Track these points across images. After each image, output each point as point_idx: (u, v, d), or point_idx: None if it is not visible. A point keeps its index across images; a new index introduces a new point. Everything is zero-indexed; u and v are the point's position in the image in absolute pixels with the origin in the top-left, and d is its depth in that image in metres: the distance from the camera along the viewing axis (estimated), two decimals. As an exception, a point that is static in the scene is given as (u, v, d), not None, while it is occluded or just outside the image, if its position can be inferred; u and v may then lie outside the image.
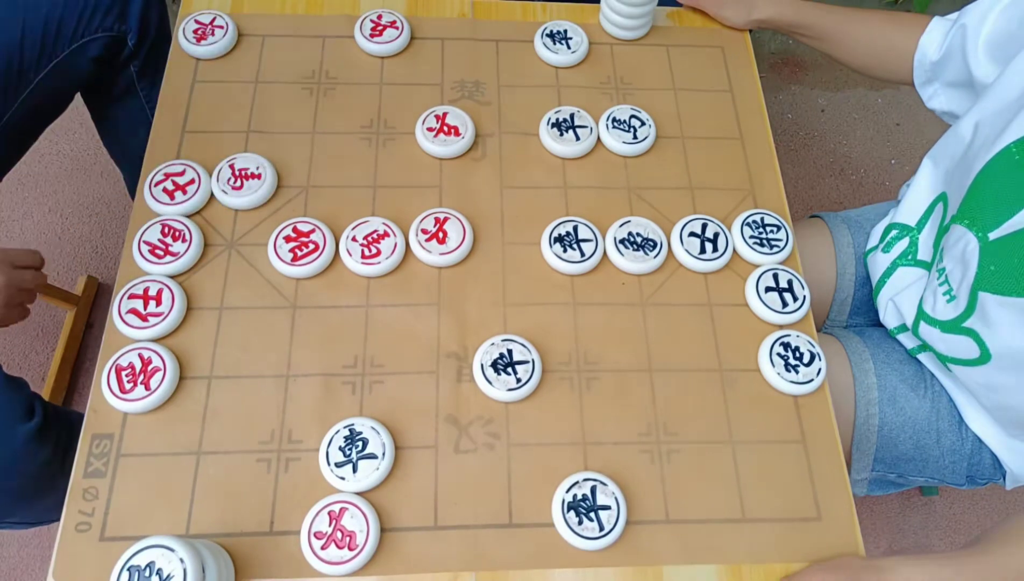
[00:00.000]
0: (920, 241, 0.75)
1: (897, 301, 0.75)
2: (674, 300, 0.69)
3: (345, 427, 0.59)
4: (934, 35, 0.75)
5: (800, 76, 1.70)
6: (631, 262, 0.69)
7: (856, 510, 0.61)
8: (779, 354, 0.65)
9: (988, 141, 0.64)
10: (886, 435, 0.75)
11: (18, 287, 0.75)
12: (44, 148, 1.42)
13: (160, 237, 0.66)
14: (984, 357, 0.64)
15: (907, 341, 0.78)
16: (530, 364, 0.63)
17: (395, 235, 0.68)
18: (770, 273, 0.69)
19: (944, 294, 0.67)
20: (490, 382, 0.62)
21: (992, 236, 0.61)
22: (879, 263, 0.80)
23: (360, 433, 0.59)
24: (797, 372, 0.65)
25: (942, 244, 0.70)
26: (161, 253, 0.65)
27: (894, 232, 0.78)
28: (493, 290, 0.68)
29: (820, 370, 0.65)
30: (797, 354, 0.66)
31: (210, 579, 0.49)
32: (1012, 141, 0.61)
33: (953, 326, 0.66)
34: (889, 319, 0.78)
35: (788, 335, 0.66)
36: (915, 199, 0.77)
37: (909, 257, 0.76)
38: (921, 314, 0.70)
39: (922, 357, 0.77)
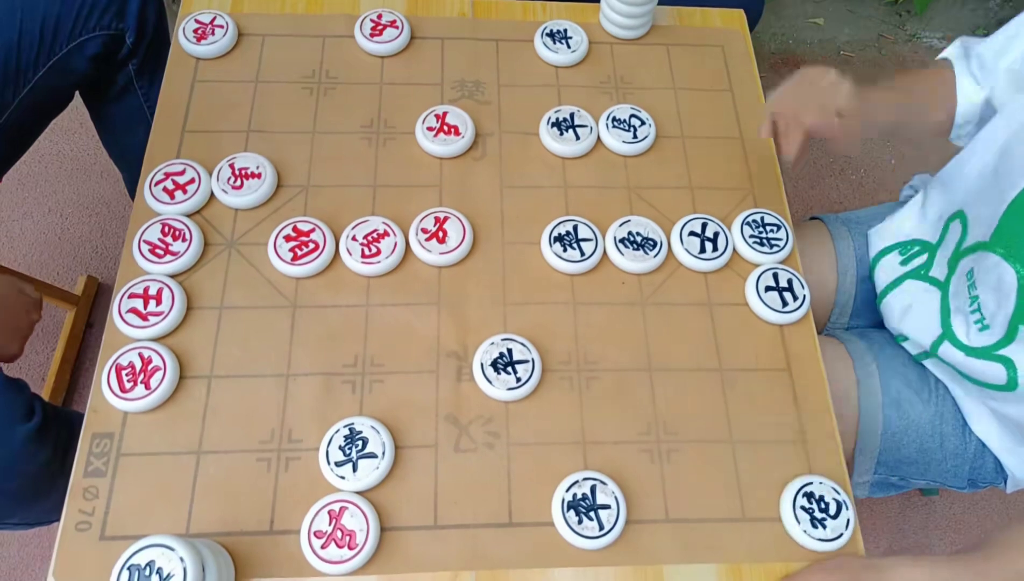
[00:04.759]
0: (936, 258, 0.74)
1: (909, 318, 0.75)
2: (674, 299, 0.69)
3: (345, 426, 0.59)
4: (966, 88, 0.73)
5: (800, 76, 1.70)
6: (631, 261, 0.69)
7: (856, 510, 0.61)
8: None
9: (1019, 169, 0.63)
10: (889, 438, 0.75)
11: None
12: (44, 148, 1.42)
13: (160, 236, 0.66)
14: (1011, 385, 0.64)
15: (912, 347, 0.77)
16: (530, 363, 0.63)
17: (395, 234, 0.68)
18: (770, 272, 0.69)
19: (976, 322, 0.67)
20: (490, 381, 0.62)
21: None
22: (890, 271, 0.79)
23: (360, 432, 0.59)
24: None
25: (967, 267, 0.68)
26: (161, 252, 0.65)
27: (916, 248, 0.77)
28: (493, 289, 0.68)
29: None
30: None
31: (210, 578, 0.49)
32: None
33: (984, 353, 0.66)
34: (895, 326, 0.78)
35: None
36: (930, 217, 0.76)
37: (922, 272, 0.75)
38: (949, 336, 0.70)
39: (927, 363, 0.77)
